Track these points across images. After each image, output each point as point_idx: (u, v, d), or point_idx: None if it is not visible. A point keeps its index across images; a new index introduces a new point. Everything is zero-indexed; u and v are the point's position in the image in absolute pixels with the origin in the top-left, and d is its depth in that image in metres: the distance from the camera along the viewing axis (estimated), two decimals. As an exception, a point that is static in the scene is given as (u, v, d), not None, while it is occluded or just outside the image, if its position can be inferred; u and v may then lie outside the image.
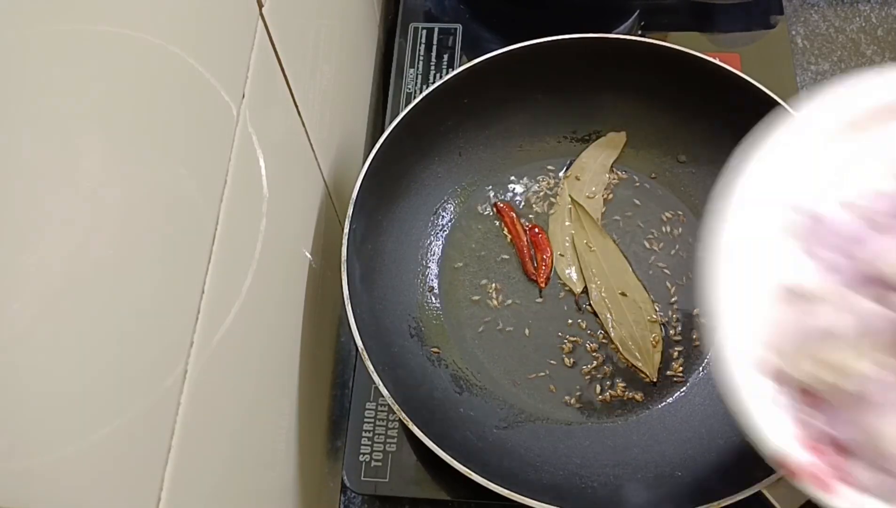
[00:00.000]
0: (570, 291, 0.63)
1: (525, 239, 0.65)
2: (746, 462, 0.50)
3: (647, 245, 0.65)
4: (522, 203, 0.67)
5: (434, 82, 0.61)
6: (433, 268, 0.65)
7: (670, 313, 0.62)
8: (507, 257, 0.65)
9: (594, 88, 0.66)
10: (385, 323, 0.59)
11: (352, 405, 0.60)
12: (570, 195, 0.66)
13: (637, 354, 0.61)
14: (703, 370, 0.60)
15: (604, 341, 0.61)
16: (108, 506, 0.27)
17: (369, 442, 0.58)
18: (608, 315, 0.62)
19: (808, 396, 0.33)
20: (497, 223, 0.66)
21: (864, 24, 0.80)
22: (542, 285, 0.63)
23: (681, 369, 0.60)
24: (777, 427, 0.32)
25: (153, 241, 0.30)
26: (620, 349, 0.61)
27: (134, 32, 0.29)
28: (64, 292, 0.24)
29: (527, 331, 0.62)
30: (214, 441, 0.36)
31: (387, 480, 0.57)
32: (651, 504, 0.52)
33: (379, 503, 0.61)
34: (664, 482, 0.54)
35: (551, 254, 0.64)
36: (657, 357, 0.60)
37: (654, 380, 0.59)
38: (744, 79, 0.59)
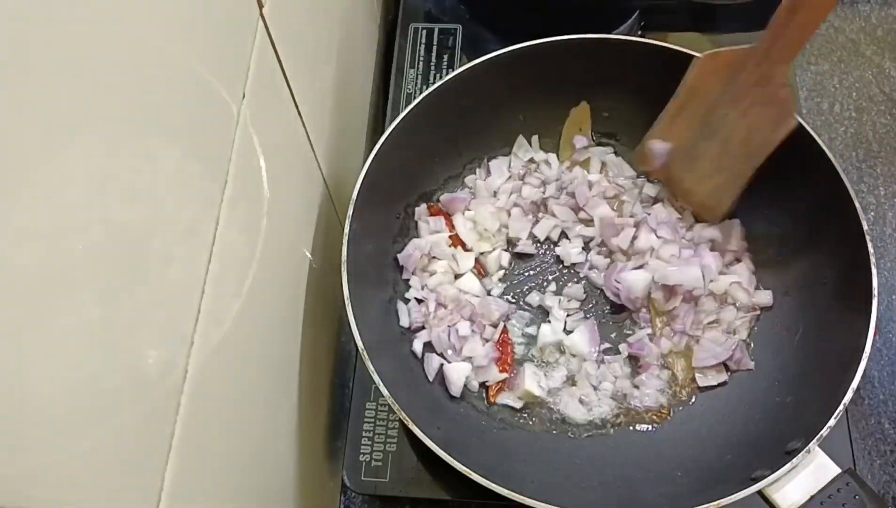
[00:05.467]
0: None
1: None
2: (746, 462, 0.50)
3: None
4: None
5: (434, 83, 0.61)
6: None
7: None
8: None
9: (594, 88, 0.66)
10: (385, 323, 0.59)
11: (352, 405, 0.60)
12: None
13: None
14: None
15: None
16: (108, 506, 0.27)
17: (369, 442, 0.58)
18: None
19: None
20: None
21: (863, 25, 0.80)
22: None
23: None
24: None
25: (153, 241, 0.30)
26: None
27: (135, 33, 0.29)
28: (64, 293, 0.24)
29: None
30: (214, 441, 0.36)
31: (387, 480, 0.57)
32: (651, 504, 0.52)
33: (379, 502, 0.61)
34: (664, 482, 0.54)
35: None
36: (688, 366, 0.59)
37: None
38: (744, 79, 0.59)
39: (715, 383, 0.58)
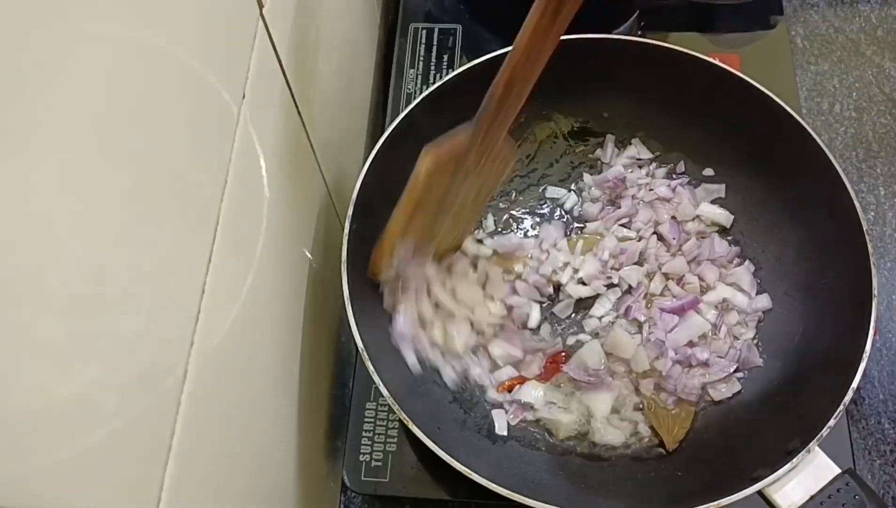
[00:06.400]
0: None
1: None
2: (746, 462, 0.50)
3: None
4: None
5: (434, 82, 0.61)
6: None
7: None
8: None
9: (594, 88, 0.66)
10: (385, 323, 0.59)
11: (352, 405, 0.60)
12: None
13: (661, 420, 0.57)
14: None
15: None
16: (108, 506, 0.27)
17: (369, 442, 0.58)
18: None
19: None
20: (497, 223, 0.66)
21: (863, 25, 0.80)
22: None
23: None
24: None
25: (153, 241, 0.30)
26: (646, 408, 0.57)
27: (135, 33, 0.29)
28: (64, 293, 0.24)
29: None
30: (215, 442, 0.36)
31: (387, 480, 0.57)
32: (652, 504, 0.52)
33: (379, 503, 0.61)
34: (664, 481, 0.54)
35: None
36: (680, 432, 0.56)
37: (669, 450, 0.56)
38: (744, 79, 0.59)
39: (730, 394, 0.57)
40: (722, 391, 0.57)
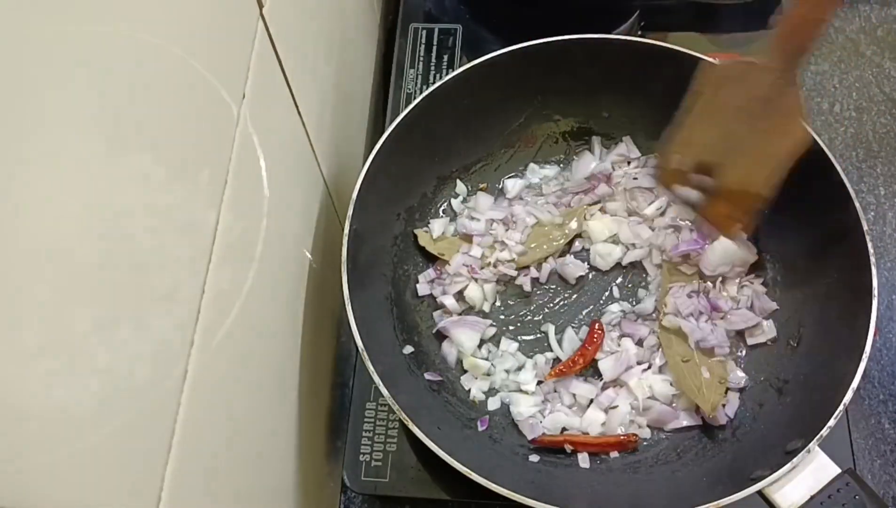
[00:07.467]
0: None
1: None
2: (746, 462, 0.50)
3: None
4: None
5: (434, 82, 0.61)
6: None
7: None
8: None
9: (594, 88, 0.66)
10: (385, 324, 0.59)
11: (352, 405, 0.60)
12: None
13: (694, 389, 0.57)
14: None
15: None
16: (108, 506, 0.27)
17: (369, 442, 0.58)
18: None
19: None
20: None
21: (863, 25, 0.80)
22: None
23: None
24: None
25: (153, 242, 0.30)
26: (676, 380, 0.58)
27: (135, 33, 0.29)
28: (65, 292, 0.24)
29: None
30: (214, 442, 0.36)
31: (387, 480, 0.57)
32: (651, 504, 0.52)
33: (379, 503, 0.61)
34: (664, 481, 0.54)
35: None
36: (717, 397, 0.56)
37: (709, 416, 0.55)
38: (744, 79, 0.59)
39: (765, 339, 0.59)
40: (757, 337, 0.59)
